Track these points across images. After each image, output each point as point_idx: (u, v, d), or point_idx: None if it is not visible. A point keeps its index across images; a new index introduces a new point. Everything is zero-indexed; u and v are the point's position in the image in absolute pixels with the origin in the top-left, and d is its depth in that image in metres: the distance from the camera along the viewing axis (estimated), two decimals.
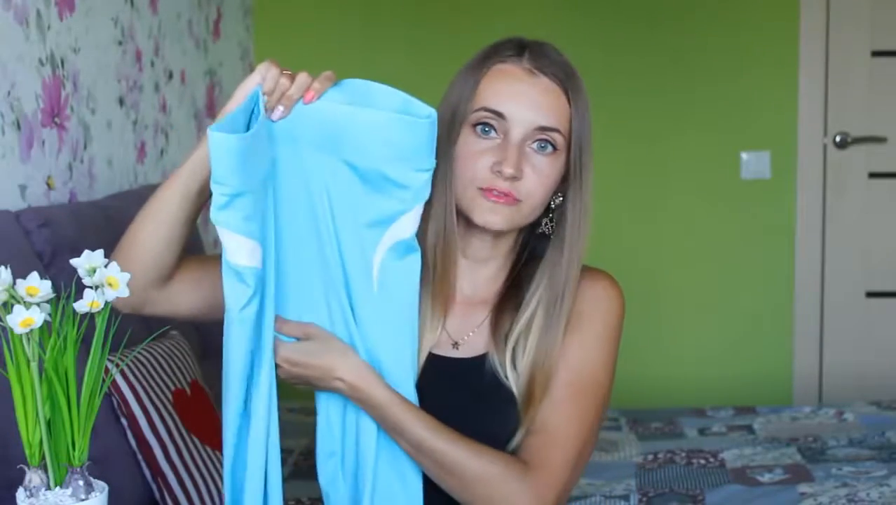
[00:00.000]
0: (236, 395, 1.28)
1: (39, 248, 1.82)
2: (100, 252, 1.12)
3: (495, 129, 1.36)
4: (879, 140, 3.56)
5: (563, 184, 1.42)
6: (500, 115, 1.36)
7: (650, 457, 2.37)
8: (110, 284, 1.11)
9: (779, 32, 3.56)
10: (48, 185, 2.04)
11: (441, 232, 1.40)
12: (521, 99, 1.36)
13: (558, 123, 1.37)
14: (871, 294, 3.63)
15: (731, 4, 3.57)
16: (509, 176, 1.34)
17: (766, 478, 2.20)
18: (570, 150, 1.38)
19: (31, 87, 1.96)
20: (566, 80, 1.37)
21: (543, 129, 1.36)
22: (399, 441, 1.34)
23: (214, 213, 1.20)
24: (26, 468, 1.11)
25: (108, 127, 2.36)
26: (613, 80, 3.60)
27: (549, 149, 1.37)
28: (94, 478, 1.13)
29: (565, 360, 1.40)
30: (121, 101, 2.43)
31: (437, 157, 1.35)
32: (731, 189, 3.61)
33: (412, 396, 1.34)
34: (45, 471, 1.10)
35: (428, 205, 1.36)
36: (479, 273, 1.46)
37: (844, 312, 3.62)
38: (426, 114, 1.25)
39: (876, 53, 3.54)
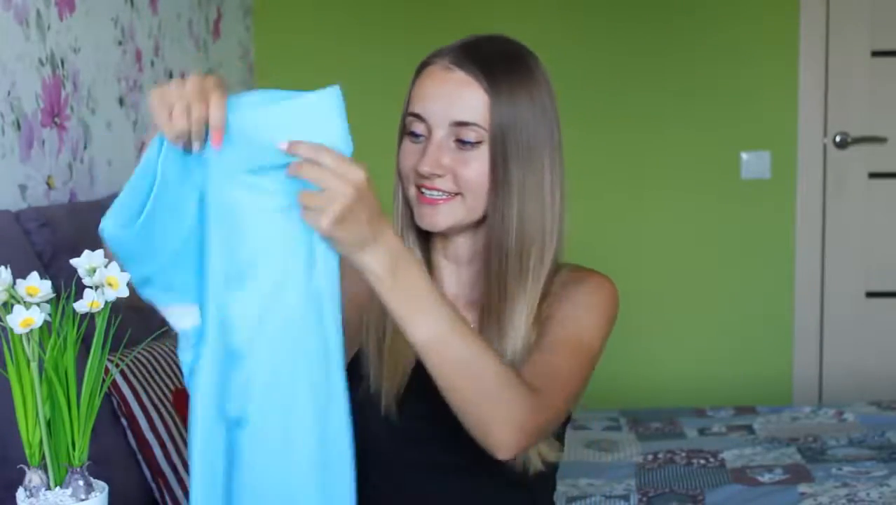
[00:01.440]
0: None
1: (39, 248, 1.82)
2: (100, 252, 1.12)
3: (423, 132, 1.36)
4: (879, 140, 3.56)
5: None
6: (420, 117, 1.35)
7: (650, 457, 2.37)
8: (110, 284, 1.11)
9: (779, 32, 3.56)
10: (48, 185, 2.04)
11: (402, 236, 1.40)
12: (435, 98, 1.34)
13: (475, 116, 1.33)
14: (871, 294, 3.63)
15: (730, 4, 3.57)
16: (426, 174, 1.33)
17: (766, 478, 2.20)
18: (491, 141, 1.34)
19: (31, 87, 1.96)
20: (485, 70, 1.33)
21: (460, 123, 1.33)
22: (418, 330, 1.18)
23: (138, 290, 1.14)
24: (26, 468, 1.11)
25: (108, 127, 2.36)
26: (613, 80, 3.60)
27: (471, 142, 1.34)
28: (94, 478, 1.13)
29: (558, 323, 1.36)
30: (121, 101, 2.43)
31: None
32: (731, 189, 3.61)
33: None
34: (45, 471, 1.10)
35: (394, 213, 1.39)
36: (464, 274, 1.45)
37: (844, 312, 3.62)
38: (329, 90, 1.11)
39: (876, 53, 3.54)
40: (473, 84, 1.33)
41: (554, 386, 1.30)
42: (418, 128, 1.36)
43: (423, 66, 1.38)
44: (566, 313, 1.38)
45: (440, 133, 1.34)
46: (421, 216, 1.36)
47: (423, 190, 1.35)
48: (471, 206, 1.36)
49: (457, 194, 1.35)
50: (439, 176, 1.34)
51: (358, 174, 1.09)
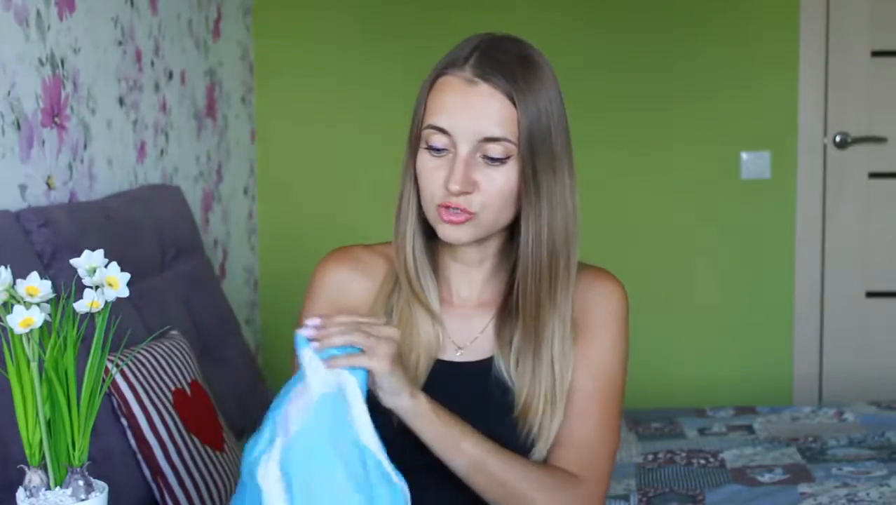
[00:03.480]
0: None
1: (39, 248, 1.82)
2: (100, 252, 1.12)
3: (446, 145, 1.33)
4: (879, 140, 3.56)
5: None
6: (444, 131, 1.33)
7: (650, 457, 2.37)
8: (110, 284, 1.11)
9: (779, 32, 3.56)
10: (48, 185, 2.04)
11: (410, 246, 1.40)
12: (461, 112, 1.32)
13: (504, 131, 1.31)
14: (871, 294, 3.62)
15: (731, 5, 3.57)
16: (455, 192, 1.31)
17: (766, 478, 2.20)
18: (521, 154, 1.33)
19: (31, 87, 1.96)
20: (510, 82, 1.31)
21: (489, 139, 1.31)
22: (455, 459, 1.32)
23: None
24: (26, 468, 1.11)
25: (108, 127, 2.36)
26: (614, 80, 3.60)
27: (500, 158, 1.32)
28: (94, 478, 1.13)
29: (586, 370, 1.40)
30: (121, 101, 2.43)
31: (402, 171, 1.38)
32: (731, 189, 3.61)
33: None
34: (45, 471, 1.10)
35: (397, 219, 1.39)
36: (475, 276, 1.44)
37: (844, 312, 3.62)
38: None
39: (876, 53, 3.54)
40: (500, 97, 1.31)
41: (597, 462, 1.40)
42: (440, 141, 1.33)
43: (440, 76, 1.35)
44: (591, 357, 1.41)
45: (466, 148, 1.32)
46: (444, 230, 1.35)
47: (448, 209, 1.33)
48: (491, 223, 1.36)
49: (473, 214, 1.33)
50: (470, 193, 1.32)
51: (391, 329, 1.26)
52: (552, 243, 1.36)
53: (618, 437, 1.44)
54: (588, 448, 1.39)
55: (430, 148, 1.34)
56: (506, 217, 1.37)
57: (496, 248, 1.43)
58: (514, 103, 1.31)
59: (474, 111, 1.31)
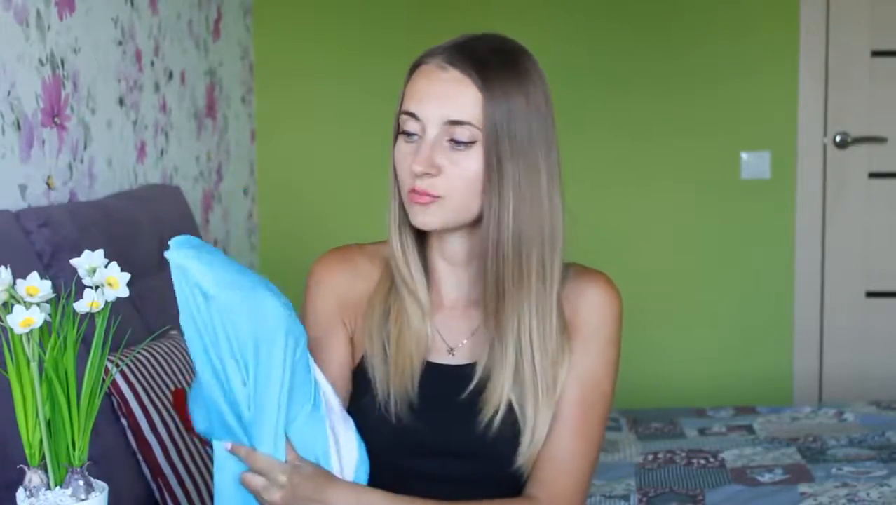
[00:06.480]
0: None
1: (39, 248, 1.82)
2: (100, 252, 1.12)
3: (417, 130, 1.35)
4: (879, 140, 3.56)
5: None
6: (414, 115, 1.34)
7: (650, 457, 2.37)
8: (110, 284, 1.11)
9: (779, 32, 3.56)
10: (48, 185, 2.04)
11: (397, 237, 1.40)
12: (429, 96, 1.34)
13: (469, 116, 1.32)
14: (871, 294, 3.63)
15: (731, 5, 3.57)
16: (418, 173, 1.32)
17: (766, 478, 2.20)
18: (485, 140, 1.33)
19: (31, 87, 1.96)
20: (480, 69, 1.32)
21: (453, 122, 1.32)
22: None
23: None
24: (26, 468, 1.11)
25: (108, 127, 2.36)
26: (613, 80, 3.60)
27: (465, 142, 1.33)
28: (94, 478, 1.13)
29: (570, 378, 1.38)
30: (121, 101, 2.43)
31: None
32: (731, 189, 3.61)
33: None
34: (45, 471, 1.10)
35: (390, 212, 1.40)
36: (463, 275, 1.43)
37: (844, 312, 3.62)
38: None
39: (876, 53, 3.54)
40: (467, 82, 1.33)
41: (564, 476, 1.37)
42: (412, 126, 1.35)
43: (417, 64, 1.37)
44: (575, 363, 1.38)
45: (433, 132, 1.33)
46: (413, 215, 1.36)
47: (415, 191, 1.34)
48: (457, 208, 1.35)
49: (437, 197, 1.33)
50: (432, 175, 1.33)
51: (280, 479, 1.29)
52: (518, 235, 1.34)
53: (597, 448, 1.41)
54: (564, 462, 1.37)
55: (404, 134, 1.36)
56: (474, 205, 1.35)
57: (482, 247, 1.41)
58: (480, 90, 1.32)
59: (441, 95, 1.33)
